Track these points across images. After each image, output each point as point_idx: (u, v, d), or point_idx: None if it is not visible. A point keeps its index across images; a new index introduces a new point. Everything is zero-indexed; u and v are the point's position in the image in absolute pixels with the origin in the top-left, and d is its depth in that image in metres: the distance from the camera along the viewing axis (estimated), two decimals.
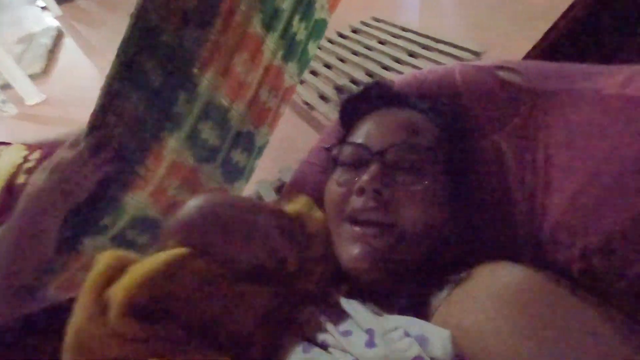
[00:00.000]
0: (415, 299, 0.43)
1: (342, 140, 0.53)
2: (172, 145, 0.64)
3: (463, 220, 0.48)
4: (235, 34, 0.62)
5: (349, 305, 0.42)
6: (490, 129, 0.49)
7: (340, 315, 0.41)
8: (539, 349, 0.31)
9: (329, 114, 1.88)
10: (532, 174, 0.45)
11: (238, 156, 0.77)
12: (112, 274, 0.36)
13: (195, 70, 0.60)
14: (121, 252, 0.38)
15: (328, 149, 0.54)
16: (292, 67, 0.79)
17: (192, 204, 0.43)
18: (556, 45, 0.52)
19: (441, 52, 2.10)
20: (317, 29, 0.78)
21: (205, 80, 0.63)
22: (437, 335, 0.34)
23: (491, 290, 0.36)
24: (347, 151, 0.49)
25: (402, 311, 0.41)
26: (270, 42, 0.68)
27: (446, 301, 0.39)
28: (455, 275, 0.42)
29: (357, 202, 0.44)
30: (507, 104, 0.48)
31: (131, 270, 0.36)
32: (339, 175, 0.49)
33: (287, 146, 1.62)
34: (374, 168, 0.44)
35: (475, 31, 2.42)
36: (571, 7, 0.50)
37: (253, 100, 0.75)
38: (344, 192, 0.47)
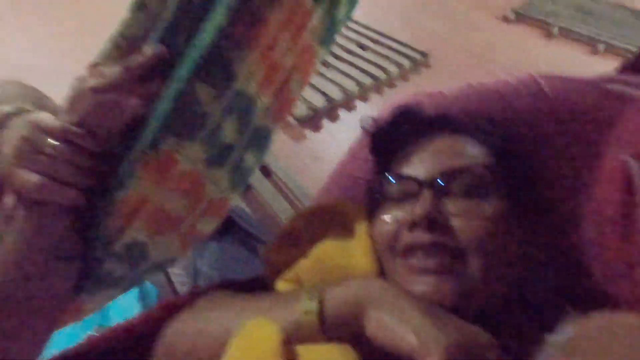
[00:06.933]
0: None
1: (382, 173, 0.48)
2: (192, 149, 0.48)
3: (541, 245, 0.43)
4: (288, 6, 0.49)
5: None
6: (613, 147, 0.45)
7: None
8: None
9: None
10: None
11: (251, 157, 0.62)
12: None
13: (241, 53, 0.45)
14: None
15: (371, 182, 0.49)
16: (323, 52, 0.66)
17: None
18: None
19: (390, 48, 2.09)
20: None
21: (245, 66, 0.48)
22: None
23: None
24: (392, 185, 0.46)
25: None
26: (316, 18, 0.55)
27: None
28: (556, 335, 0.36)
29: (409, 237, 0.41)
30: (635, 123, 0.44)
31: None
32: (385, 211, 0.45)
33: None
34: (424, 198, 0.40)
35: (414, 31, 2.47)
36: None
37: (282, 88, 0.60)
38: (395, 229, 0.43)
